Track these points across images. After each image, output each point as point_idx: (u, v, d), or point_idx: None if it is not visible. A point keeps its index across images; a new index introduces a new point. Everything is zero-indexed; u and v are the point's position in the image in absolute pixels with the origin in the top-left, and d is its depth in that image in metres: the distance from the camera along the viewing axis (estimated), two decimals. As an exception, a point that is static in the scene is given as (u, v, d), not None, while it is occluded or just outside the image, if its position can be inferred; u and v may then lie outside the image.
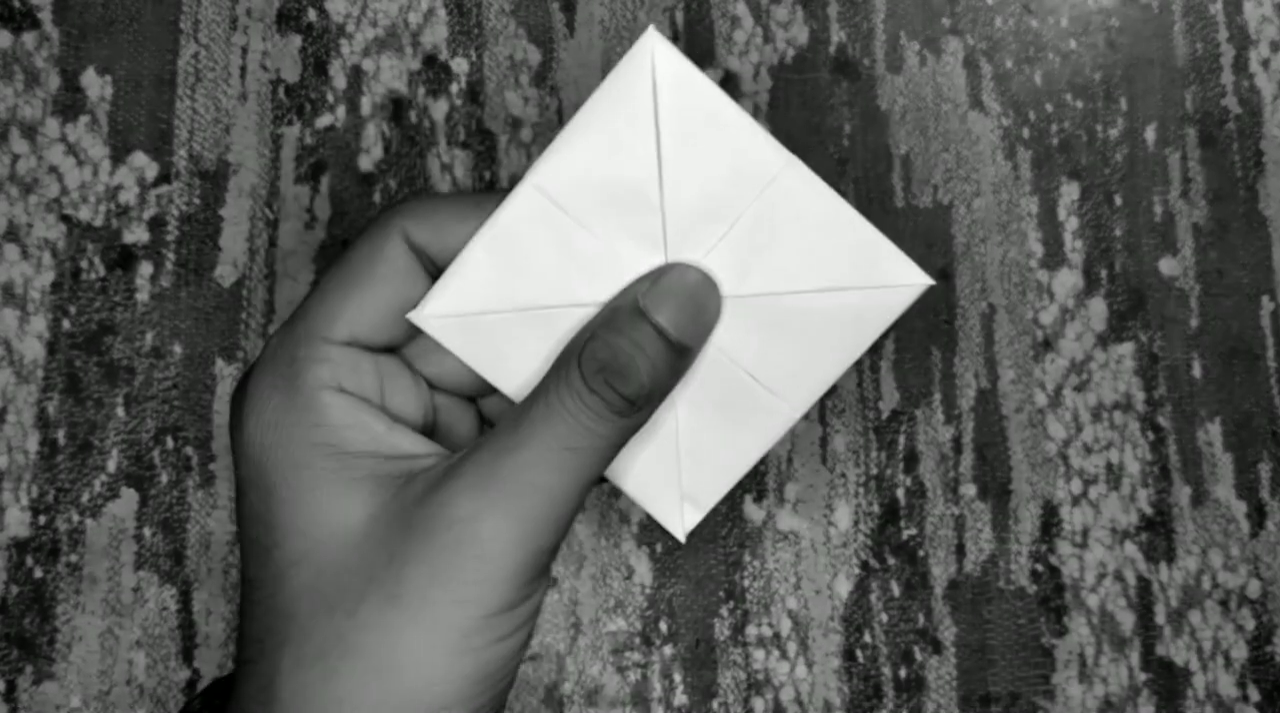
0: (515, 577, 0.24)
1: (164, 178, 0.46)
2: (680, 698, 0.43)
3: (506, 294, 0.27)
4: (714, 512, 0.44)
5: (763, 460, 0.45)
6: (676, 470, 0.29)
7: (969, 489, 0.45)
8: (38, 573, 0.43)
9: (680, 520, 0.29)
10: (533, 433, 0.25)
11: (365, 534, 0.25)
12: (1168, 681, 0.44)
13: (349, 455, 0.25)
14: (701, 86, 0.26)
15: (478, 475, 0.25)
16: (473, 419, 0.30)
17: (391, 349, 0.28)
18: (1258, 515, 0.45)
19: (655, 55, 0.26)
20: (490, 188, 0.46)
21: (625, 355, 0.25)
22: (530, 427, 0.25)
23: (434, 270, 0.27)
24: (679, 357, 0.26)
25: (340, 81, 0.46)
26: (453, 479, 0.25)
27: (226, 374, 0.45)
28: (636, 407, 0.25)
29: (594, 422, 0.25)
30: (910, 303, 0.27)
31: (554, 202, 0.27)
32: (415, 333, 0.28)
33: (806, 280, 0.27)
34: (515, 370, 0.28)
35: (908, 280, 0.27)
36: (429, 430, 0.29)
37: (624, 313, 0.26)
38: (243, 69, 0.46)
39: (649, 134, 0.26)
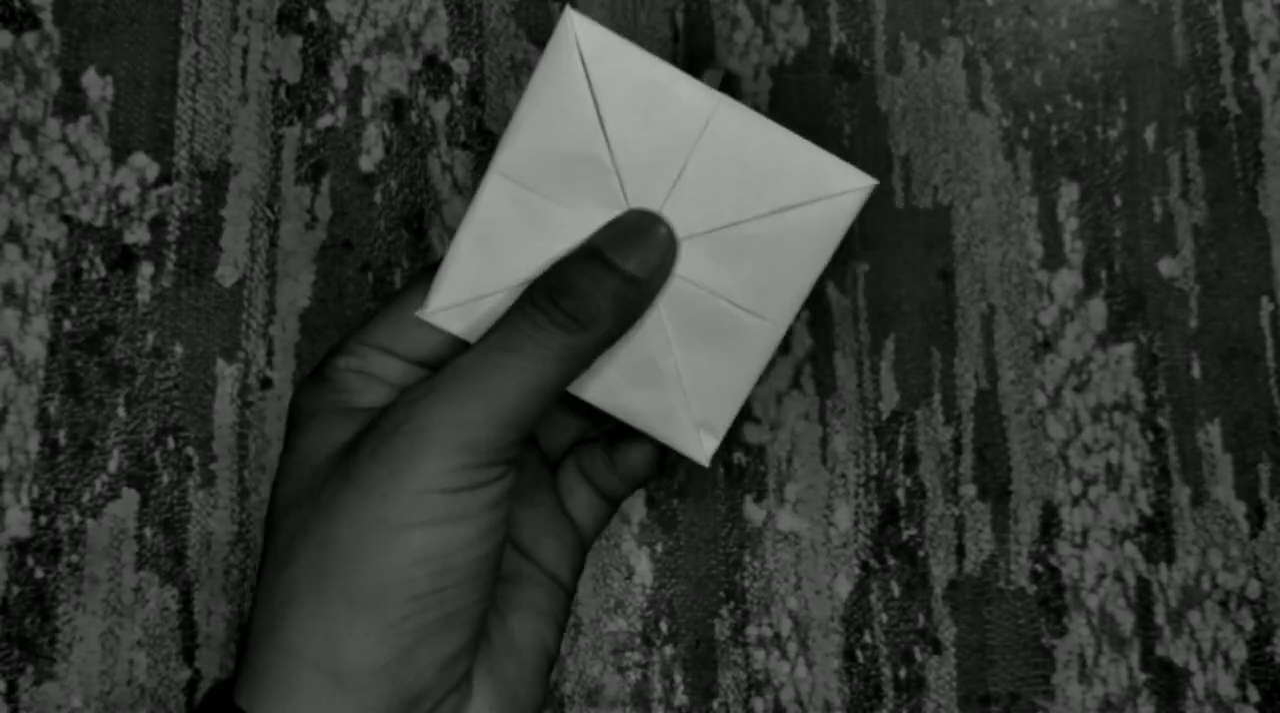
0: (448, 457, 0.26)
1: (165, 178, 0.46)
2: (680, 698, 0.43)
3: (497, 275, 0.30)
4: (714, 512, 0.45)
5: (763, 460, 0.45)
6: (686, 404, 0.31)
7: (969, 490, 0.45)
8: (39, 573, 0.44)
9: (700, 447, 0.31)
10: (480, 342, 0.28)
11: (343, 447, 0.28)
12: (1167, 681, 0.44)
13: (354, 407, 0.29)
14: (625, 51, 0.28)
15: (429, 379, 0.28)
16: None
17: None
18: (1257, 516, 0.45)
19: (577, 33, 0.28)
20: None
21: (570, 277, 0.28)
22: (481, 340, 0.28)
23: None
24: (627, 284, 0.28)
25: (341, 82, 0.46)
26: (410, 386, 0.28)
27: (227, 374, 0.45)
28: (580, 324, 0.28)
29: (534, 331, 0.27)
30: (860, 205, 0.29)
31: (519, 183, 0.29)
32: (450, 350, 0.30)
33: (761, 206, 0.29)
34: None
35: (853, 185, 0.29)
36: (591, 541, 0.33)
37: (578, 251, 0.29)
38: (243, 69, 0.46)
39: (588, 104, 0.28)
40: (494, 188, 0.29)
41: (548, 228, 0.29)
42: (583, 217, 0.29)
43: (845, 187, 0.29)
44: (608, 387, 0.31)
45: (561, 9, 0.47)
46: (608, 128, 0.28)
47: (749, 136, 0.29)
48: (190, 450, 0.44)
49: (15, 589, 0.43)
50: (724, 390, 0.31)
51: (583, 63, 0.28)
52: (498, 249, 0.29)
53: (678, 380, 0.31)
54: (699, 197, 0.29)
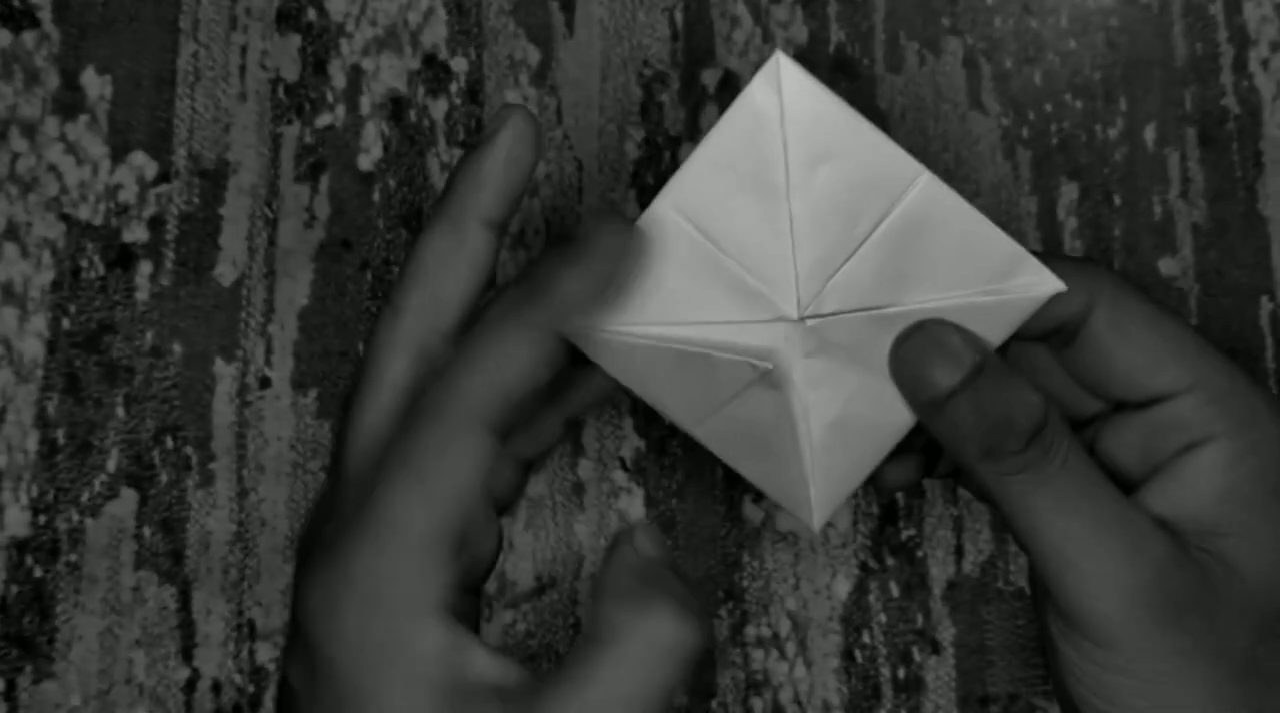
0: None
1: (163, 177, 0.46)
2: (679, 698, 0.43)
3: (651, 313, 0.28)
4: (713, 512, 0.45)
5: (762, 460, 0.45)
6: (806, 479, 0.31)
7: (969, 490, 0.45)
8: (37, 572, 0.44)
9: (812, 516, 0.31)
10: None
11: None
12: (1166, 681, 0.44)
13: (444, 684, 0.25)
14: (830, 104, 0.27)
15: None
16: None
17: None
18: (1256, 516, 0.45)
19: (782, 76, 0.27)
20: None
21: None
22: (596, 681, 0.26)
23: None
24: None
25: (340, 81, 0.46)
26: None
27: (226, 373, 0.45)
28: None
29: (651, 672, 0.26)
30: (1036, 308, 0.28)
31: (690, 221, 0.28)
32: (527, 416, 0.30)
33: (938, 290, 0.28)
34: (672, 396, 0.29)
35: (1040, 288, 0.28)
36: (511, 509, 0.32)
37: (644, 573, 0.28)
38: (242, 68, 0.46)
39: (778, 154, 0.27)
40: (663, 220, 0.28)
41: (710, 275, 0.28)
42: (746, 270, 0.28)
43: (1032, 288, 0.28)
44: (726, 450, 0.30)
45: (560, 5, 0.47)
46: (792, 185, 0.27)
47: (947, 217, 0.28)
48: (189, 449, 0.44)
49: (14, 588, 0.43)
50: (852, 463, 0.31)
51: (781, 111, 0.27)
52: (655, 285, 0.28)
53: (800, 457, 0.31)
54: (879, 270, 0.28)
